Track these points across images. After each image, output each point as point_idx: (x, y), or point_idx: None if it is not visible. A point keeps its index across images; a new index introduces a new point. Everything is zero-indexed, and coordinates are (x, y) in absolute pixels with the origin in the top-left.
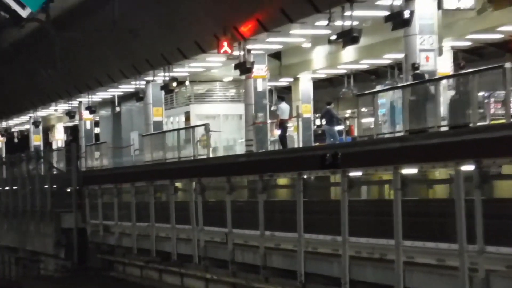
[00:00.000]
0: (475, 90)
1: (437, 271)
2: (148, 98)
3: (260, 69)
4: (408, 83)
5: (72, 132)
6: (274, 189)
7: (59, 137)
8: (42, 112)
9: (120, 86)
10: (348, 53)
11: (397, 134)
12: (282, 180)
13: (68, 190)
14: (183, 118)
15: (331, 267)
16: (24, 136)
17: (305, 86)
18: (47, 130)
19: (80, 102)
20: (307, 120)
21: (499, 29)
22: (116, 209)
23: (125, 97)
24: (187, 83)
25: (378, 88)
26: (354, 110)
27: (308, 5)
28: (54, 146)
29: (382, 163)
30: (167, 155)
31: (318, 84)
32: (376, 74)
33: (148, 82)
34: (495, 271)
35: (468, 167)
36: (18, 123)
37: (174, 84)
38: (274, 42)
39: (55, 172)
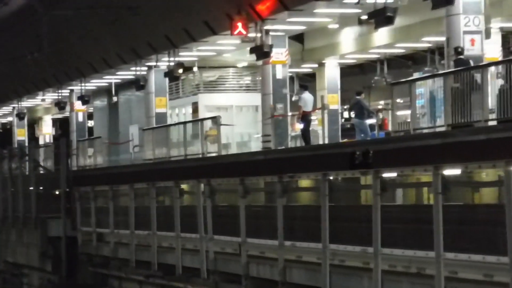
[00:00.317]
0: None
1: None
2: (150, 86)
3: (279, 54)
4: (451, 70)
5: (62, 126)
6: (295, 192)
7: (46, 131)
8: (27, 103)
9: (117, 73)
10: (381, 36)
11: (438, 129)
12: (304, 182)
13: (56, 192)
14: (190, 110)
15: (361, 282)
16: (6, 130)
17: (331, 73)
18: (33, 123)
19: (71, 90)
20: (334, 113)
21: None
22: (112, 214)
23: (123, 86)
24: (195, 69)
25: (416, 75)
26: (388, 101)
27: None
28: (41, 142)
29: (420, 163)
30: (171, 153)
31: (347, 71)
32: (414, 59)
33: (150, 68)
34: None
35: None
36: None
37: (180, 70)
38: (296, 23)
39: (41, 172)
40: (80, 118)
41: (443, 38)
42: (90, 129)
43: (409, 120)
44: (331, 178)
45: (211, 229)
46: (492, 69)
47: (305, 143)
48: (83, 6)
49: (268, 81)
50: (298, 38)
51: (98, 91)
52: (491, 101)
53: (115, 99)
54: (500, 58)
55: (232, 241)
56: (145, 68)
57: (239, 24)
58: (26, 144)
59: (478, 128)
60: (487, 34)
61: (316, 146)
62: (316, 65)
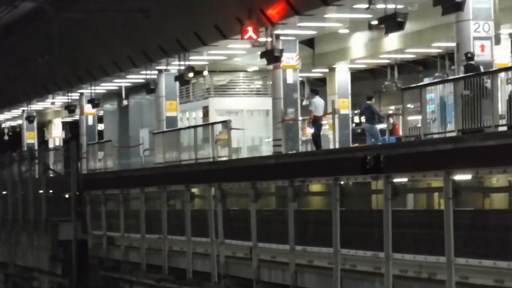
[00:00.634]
0: None
1: None
2: (161, 90)
3: (290, 58)
4: (461, 75)
5: (72, 129)
6: (306, 196)
7: (56, 135)
8: (37, 105)
9: (128, 76)
10: (392, 41)
11: (448, 134)
12: (315, 187)
13: (67, 195)
14: (200, 114)
15: (372, 287)
16: (16, 133)
17: (342, 78)
18: (43, 126)
19: (82, 94)
20: (345, 117)
21: None
22: (123, 218)
23: (134, 89)
24: (205, 73)
25: (426, 81)
26: (399, 106)
27: None
28: (50, 145)
29: (431, 168)
30: (182, 156)
31: (357, 75)
32: (424, 65)
33: (160, 71)
34: None
35: None
36: (9, 117)
37: (191, 74)
38: (306, 27)
39: (51, 175)
40: (90, 122)
41: (453, 44)
42: (100, 133)
43: (419, 125)
44: (342, 182)
45: (222, 233)
46: (502, 75)
47: (316, 148)
48: (94, 9)
49: (278, 86)
50: (308, 42)
51: (108, 94)
52: (501, 106)
53: (125, 102)
54: (510, 64)
55: (243, 245)
56: (156, 72)
57: (250, 29)
58: (36, 147)
59: (488, 134)
60: (497, 40)
61: (327, 151)
62: (326, 70)
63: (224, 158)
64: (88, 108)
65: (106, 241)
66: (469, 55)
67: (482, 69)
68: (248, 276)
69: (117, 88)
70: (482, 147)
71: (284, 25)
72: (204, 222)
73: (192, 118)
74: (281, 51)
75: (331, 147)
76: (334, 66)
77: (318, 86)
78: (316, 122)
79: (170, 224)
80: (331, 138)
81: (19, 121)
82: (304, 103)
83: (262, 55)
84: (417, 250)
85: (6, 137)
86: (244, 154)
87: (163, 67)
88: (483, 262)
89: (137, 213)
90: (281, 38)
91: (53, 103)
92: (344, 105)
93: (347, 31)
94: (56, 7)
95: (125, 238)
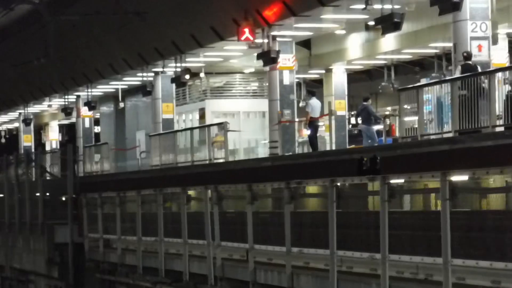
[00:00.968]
0: None
1: None
2: (157, 92)
3: (286, 59)
4: (458, 76)
5: (68, 132)
6: (303, 198)
7: (53, 137)
8: (33, 108)
9: (124, 78)
10: (388, 42)
11: (445, 135)
12: (312, 188)
13: (63, 198)
14: (197, 116)
15: None
16: (13, 136)
17: (338, 79)
18: (40, 129)
19: (78, 96)
20: (341, 119)
21: None
22: (119, 221)
23: (130, 91)
24: (202, 75)
25: (423, 81)
26: (396, 107)
27: None
28: (47, 148)
29: (428, 169)
30: (178, 159)
31: (354, 77)
32: (421, 65)
33: (156, 73)
34: None
35: None
36: (5, 120)
37: (187, 76)
38: (303, 28)
39: (48, 178)
40: (87, 124)
41: (450, 44)
42: (97, 135)
43: (416, 126)
44: (338, 184)
45: (219, 236)
46: (499, 75)
47: (313, 149)
48: (90, 11)
49: (275, 87)
50: (305, 44)
51: (104, 97)
52: (499, 107)
53: (121, 105)
54: (508, 64)
55: (239, 248)
56: (152, 74)
57: (246, 30)
58: (33, 150)
59: (485, 134)
60: (494, 40)
61: (323, 152)
62: (323, 71)
63: (221, 160)
64: (84, 110)
65: (103, 244)
66: (464, 54)
67: (479, 69)
68: (245, 278)
69: (114, 90)
70: (479, 147)
71: (280, 26)
72: (200, 225)
73: (189, 120)
74: (278, 52)
75: (328, 148)
76: (330, 67)
77: (314, 88)
78: (312, 124)
79: (166, 226)
80: (328, 140)
81: (16, 124)
82: (300, 104)
83: (259, 57)
84: (413, 251)
85: (3, 140)
86: (241, 156)
87: (160, 69)
88: (480, 263)
89: (133, 216)
90: (278, 39)
91: (49, 106)
92: (341, 106)
93: (343, 32)
94: (52, 10)
95: (121, 241)
